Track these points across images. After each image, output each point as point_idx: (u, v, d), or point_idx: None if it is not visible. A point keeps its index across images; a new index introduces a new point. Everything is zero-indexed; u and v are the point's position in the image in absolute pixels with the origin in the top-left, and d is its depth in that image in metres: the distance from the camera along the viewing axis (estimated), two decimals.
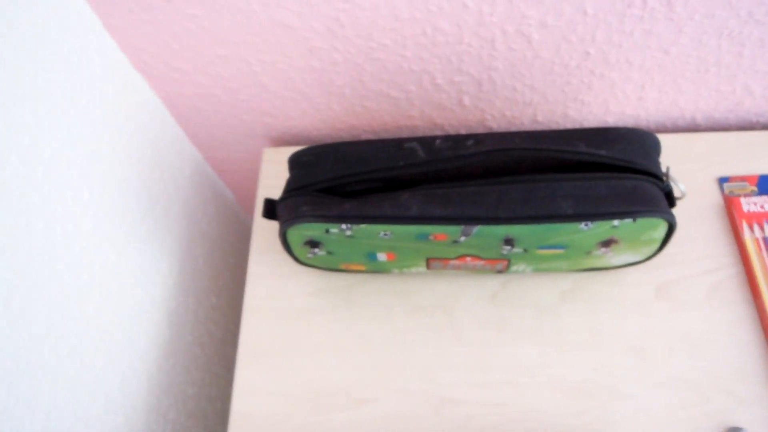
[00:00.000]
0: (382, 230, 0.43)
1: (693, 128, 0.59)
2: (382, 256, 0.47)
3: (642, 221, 0.41)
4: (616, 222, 0.41)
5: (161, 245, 0.56)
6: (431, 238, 0.43)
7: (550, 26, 0.46)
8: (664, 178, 0.44)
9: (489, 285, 0.52)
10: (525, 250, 0.45)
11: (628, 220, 0.41)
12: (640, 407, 0.46)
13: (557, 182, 0.41)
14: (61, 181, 0.42)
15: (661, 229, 0.43)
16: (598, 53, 0.49)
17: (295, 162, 0.46)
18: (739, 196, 0.53)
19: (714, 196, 0.54)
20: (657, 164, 0.44)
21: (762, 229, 0.51)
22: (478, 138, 0.43)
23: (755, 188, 0.54)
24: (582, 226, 0.41)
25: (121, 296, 0.49)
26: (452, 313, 0.51)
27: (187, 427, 0.60)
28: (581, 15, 0.45)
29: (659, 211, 0.41)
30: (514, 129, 0.59)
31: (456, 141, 0.43)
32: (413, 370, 0.49)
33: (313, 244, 0.46)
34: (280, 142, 0.62)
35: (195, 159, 0.63)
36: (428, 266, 0.49)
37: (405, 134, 0.60)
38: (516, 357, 0.49)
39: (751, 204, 0.52)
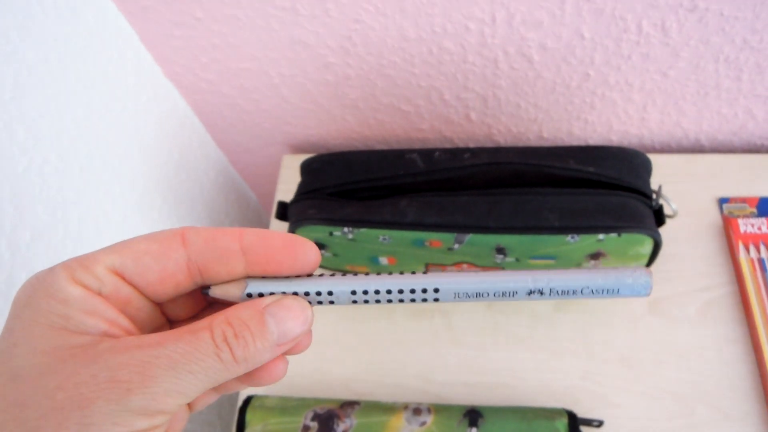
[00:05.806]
0: (381, 235, 0.46)
1: (698, 149, 0.61)
2: (383, 260, 0.50)
3: (627, 236, 0.43)
4: (601, 236, 0.43)
5: None
6: (427, 244, 0.46)
7: (550, 48, 0.49)
8: (653, 196, 0.46)
9: None
10: (517, 260, 0.47)
11: (612, 235, 0.43)
12: (626, 415, 0.48)
13: (545, 196, 0.44)
14: (95, 178, 0.46)
15: (648, 245, 0.45)
16: (597, 75, 0.51)
17: (305, 168, 0.50)
18: (738, 217, 0.54)
19: (713, 217, 0.55)
20: (646, 182, 0.46)
21: (758, 250, 0.52)
22: (474, 151, 0.46)
23: (755, 210, 0.55)
24: (569, 238, 0.44)
25: None
26: (450, 318, 0.54)
27: None
28: (579, 39, 0.47)
29: (644, 228, 0.43)
30: (520, 144, 0.62)
31: (453, 153, 0.46)
32: (410, 368, 0.52)
33: (319, 245, 0.49)
34: (299, 149, 0.66)
35: (220, 162, 0.68)
36: (427, 271, 0.52)
37: (416, 145, 0.63)
38: (509, 361, 0.51)
39: (748, 225, 0.53)
